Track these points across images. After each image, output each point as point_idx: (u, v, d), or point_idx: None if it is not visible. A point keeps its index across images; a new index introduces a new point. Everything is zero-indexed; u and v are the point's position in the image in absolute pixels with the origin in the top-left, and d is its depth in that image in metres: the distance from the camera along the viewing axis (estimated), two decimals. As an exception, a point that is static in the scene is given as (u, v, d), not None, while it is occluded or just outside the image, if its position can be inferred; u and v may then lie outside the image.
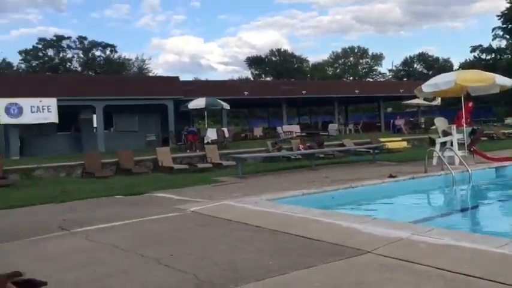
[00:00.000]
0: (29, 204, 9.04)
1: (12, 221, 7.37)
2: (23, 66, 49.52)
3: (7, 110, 19.42)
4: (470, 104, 13.59)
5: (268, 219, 6.38)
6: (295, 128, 27.45)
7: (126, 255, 5.02)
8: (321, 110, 52.66)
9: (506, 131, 26.52)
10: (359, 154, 18.43)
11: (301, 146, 18.59)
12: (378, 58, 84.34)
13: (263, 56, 76.10)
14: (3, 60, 49.52)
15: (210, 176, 13.04)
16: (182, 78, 27.20)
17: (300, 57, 78.99)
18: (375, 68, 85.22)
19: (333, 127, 27.95)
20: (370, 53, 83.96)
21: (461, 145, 12.68)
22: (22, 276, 1.73)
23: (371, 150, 16.64)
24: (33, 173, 14.53)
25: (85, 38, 50.87)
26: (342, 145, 20.04)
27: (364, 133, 30.11)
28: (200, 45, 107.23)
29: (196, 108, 22.13)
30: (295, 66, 75.41)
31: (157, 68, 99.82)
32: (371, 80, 79.14)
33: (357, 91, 33.60)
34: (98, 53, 52.25)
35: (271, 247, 4.98)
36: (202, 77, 75.74)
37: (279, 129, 27.33)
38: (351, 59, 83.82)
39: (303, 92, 31.00)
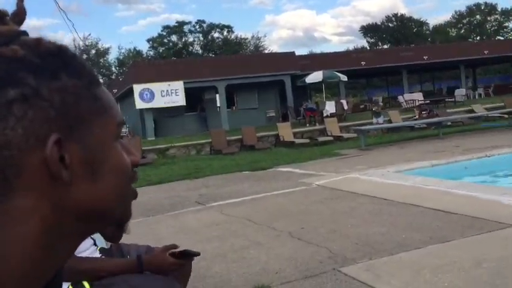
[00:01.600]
0: (167, 181, 9.79)
1: (154, 196, 8.05)
2: (151, 53, 53.24)
3: (141, 96, 21.09)
4: None
5: (397, 191, 6.19)
6: (418, 96, 26.00)
7: (258, 228, 5.22)
8: (445, 75, 49.24)
9: None
10: (491, 120, 16.95)
11: (422, 114, 17.65)
12: (508, 13, 75.92)
13: (379, 23, 72.80)
14: (134, 49, 53.72)
15: (332, 149, 12.97)
16: (297, 52, 27.12)
17: (419, 21, 74.11)
18: (506, 24, 76.85)
19: (460, 92, 26.03)
20: (499, 9, 75.87)
21: None
22: (177, 248, 1.88)
23: (506, 115, 15.20)
24: (168, 152, 15.68)
25: (203, 22, 53.09)
26: (471, 111, 18.57)
27: (496, 97, 27.54)
28: (313, 18, 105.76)
29: (313, 82, 22.01)
30: (414, 30, 71.09)
31: (272, 45, 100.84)
32: (501, 38, 71.67)
33: (486, 52, 30.73)
34: (216, 34, 54.25)
35: (403, 220, 4.84)
36: (317, 50, 74.90)
37: (400, 98, 26.14)
38: (477, 17, 76.49)
39: (424, 57, 29.17)
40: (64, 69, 0.49)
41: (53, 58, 0.49)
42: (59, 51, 0.50)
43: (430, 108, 18.60)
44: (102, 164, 0.50)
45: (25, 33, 0.51)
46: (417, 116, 17.78)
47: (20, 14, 0.53)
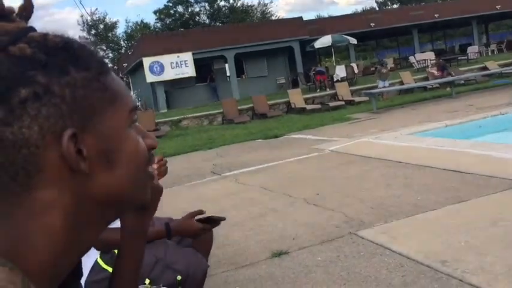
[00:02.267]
0: (182, 152, 9.86)
1: (169, 168, 8.06)
2: (158, 25, 52.69)
3: (151, 69, 21.00)
4: None
5: (411, 154, 6.16)
6: (430, 56, 25.51)
7: (274, 195, 5.27)
8: (457, 33, 48.09)
9: None
10: (505, 77, 16.61)
11: (436, 73, 17.31)
12: (522, -35, 73.29)
13: (387, -18, 70.78)
14: (142, 22, 53.19)
15: (344, 114, 12.89)
16: (305, 17, 26.69)
17: (429, -23, 71.95)
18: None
19: (472, 50, 25.49)
20: (512, -39, 73.31)
21: None
22: (204, 214, 1.92)
23: (520, 71, 14.89)
24: (180, 124, 15.73)
25: (208, -10, 52.21)
26: (485, 68, 18.20)
27: (509, 52, 26.94)
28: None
29: (322, 47, 21.70)
30: (424, -13, 69.07)
31: (279, 11, 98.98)
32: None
33: (498, 7, 29.87)
34: (222, 3, 53.43)
35: (418, 182, 4.83)
36: (325, 14, 73.41)
37: (411, 58, 25.71)
38: (489, -30, 74.09)
39: (435, 15, 28.51)
40: (72, 62, 0.50)
41: (61, 53, 0.49)
42: (66, 45, 0.51)
43: (444, 65, 18.14)
44: (118, 151, 0.52)
45: (32, 29, 0.51)
46: (436, 73, 17.35)
47: (27, 9, 0.52)
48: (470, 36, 33.20)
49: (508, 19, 45.51)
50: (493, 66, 18.07)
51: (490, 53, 29.56)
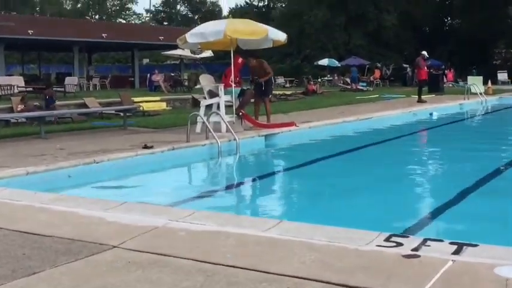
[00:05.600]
0: None
1: None
2: None
3: None
4: (240, 60, 14.49)
5: (-25, 210, 5.88)
6: (18, 81, 25.69)
7: None
8: (55, 58, 50.42)
9: (277, 93, 29.41)
10: (106, 118, 18.27)
11: (20, 107, 17.57)
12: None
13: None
14: None
15: None
16: None
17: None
18: (129, 6, 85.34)
19: (72, 81, 27.07)
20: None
21: (228, 108, 13.60)
22: None
23: (121, 113, 16.63)
24: None
25: None
26: (84, 105, 19.57)
27: (113, 90, 29.97)
28: None
29: None
30: (17, -6, 70.07)
31: None
32: (123, 21, 79.01)
33: (104, 35, 33.04)
34: None
35: (-21, 250, 4.60)
36: None
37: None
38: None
39: (29, 31, 29.14)
40: None
41: None
42: None
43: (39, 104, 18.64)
44: None
45: None
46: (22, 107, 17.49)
47: None
48: (70, 64, 35.30)
49: (114, 51, 50.94)
50: (94, 105, 19.63)
51: (92, 88, 32.15)
